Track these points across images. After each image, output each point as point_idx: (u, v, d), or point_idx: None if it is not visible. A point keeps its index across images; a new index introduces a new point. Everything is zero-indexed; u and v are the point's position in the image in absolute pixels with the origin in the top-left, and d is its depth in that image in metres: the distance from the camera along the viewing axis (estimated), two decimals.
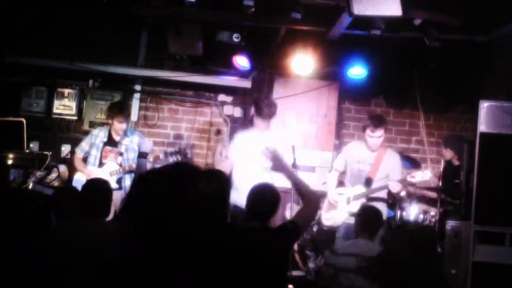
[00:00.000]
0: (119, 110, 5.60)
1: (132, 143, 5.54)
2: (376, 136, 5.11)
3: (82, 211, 3.45)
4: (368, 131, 5.14)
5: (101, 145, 5.53)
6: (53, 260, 2.89)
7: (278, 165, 3.56)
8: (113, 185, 5.38)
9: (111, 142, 5.56)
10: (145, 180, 2.63)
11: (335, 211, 5.26)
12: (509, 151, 4.98)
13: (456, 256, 5.28)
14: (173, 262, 2.63)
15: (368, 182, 5.15)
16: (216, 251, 2.94)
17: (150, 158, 5.28)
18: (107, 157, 5.52)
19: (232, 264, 3.01)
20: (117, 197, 5.27)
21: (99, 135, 5.60)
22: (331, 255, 4.11)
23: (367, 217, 4.26)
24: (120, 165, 5.52)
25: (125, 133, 5.56)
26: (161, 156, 5.37)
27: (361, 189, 5.13)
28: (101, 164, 5.51)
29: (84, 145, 5.63)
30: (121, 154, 5.51)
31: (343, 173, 5.44)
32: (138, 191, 2.68)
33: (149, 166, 5.28)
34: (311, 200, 3.45)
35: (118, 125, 5.49)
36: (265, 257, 3.22)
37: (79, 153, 5.63)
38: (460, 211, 5.79)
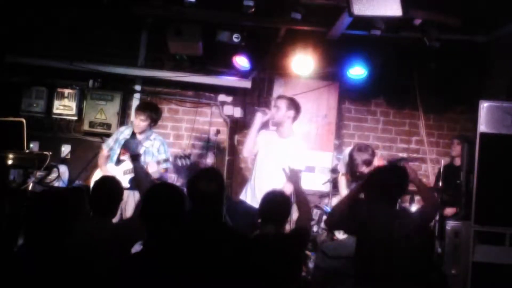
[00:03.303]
0: (138, 107, 5.66)
1: (153, 147, 5.46)
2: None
3: (91, 210, 3.45)
4: None
5: (122, 141, 5.52)
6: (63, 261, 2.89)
7: (293, 181, 3.86)
8: (125, 184, 5.35)
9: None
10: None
11: None
12: (509, 151, 4.98)
13: (456, 256, 5.27)
14: (173, 262, 2.64)
15: None
16: (215, 252, 2.95)
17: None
18: (125, 154, 5.47)
19: (246, 269, 3.02)
20: (128, 196, 5.27)
21: (124, 132, 5.61)
22: (322, 257, 4.09)
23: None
24: None
25: (148, 136, 5.50)
26: (170, 159, 5.33)
27: None
28: (118, 161, 5.47)
29: (110, 140, 5.65)
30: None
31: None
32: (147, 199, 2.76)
33: (156, 169, 5.27)
34: (304, 210, 3.69)
35: (135, 121, 5.55)
36: (280, 262, 3.24)
37: (104, 149, 5.66)
38: (460, 211, 5.79)
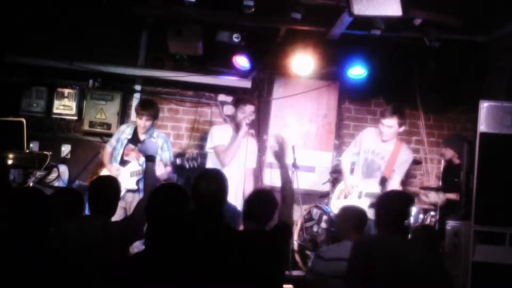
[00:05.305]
0: (140, 106, 5.55)
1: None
2: (386, 124, 5.16)
3: (89, 208, 3.47)
4: (381, 118, 5.28)
5: (125, 141, 5.48)
6: (55, 260, 2.89)
7: (278, 154, 3.91)
8: (132, 185, 5.32)
9: (134, 140, 5.46)
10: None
11: (345, 200, 5.28)
12: (509, 151, 4.98)
13: (456, 256, 5.27)
14: (173, 262, 2.64)
15: (383, 181, 5.18)
16: (216, 252, 2.96)
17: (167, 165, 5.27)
18: (129, 155, 5.44)
19: (230, 265, 3.02)
20: (134, 198, 5.25)
21: (125, 131, 5.56)
22: (318, 261, 4.05)
23: (355, 217, 4.18)
24: (142, 166, 5.31)
25: (150, 135, 5.45)
26: (178, 161, 5.24)
27: (375, 188, 5.15)
28: (122, 161, 5.44)
29: (113, 140, 5.63)
30: None
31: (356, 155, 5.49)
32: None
33: (164, 170, 5.18)
34: (287, 197, 3.71)
35: (138, 121, 5.46)
36: (263, 258, 3.24)
37: (108, 147, 5.65)
38: (460, 211, 5.78)
